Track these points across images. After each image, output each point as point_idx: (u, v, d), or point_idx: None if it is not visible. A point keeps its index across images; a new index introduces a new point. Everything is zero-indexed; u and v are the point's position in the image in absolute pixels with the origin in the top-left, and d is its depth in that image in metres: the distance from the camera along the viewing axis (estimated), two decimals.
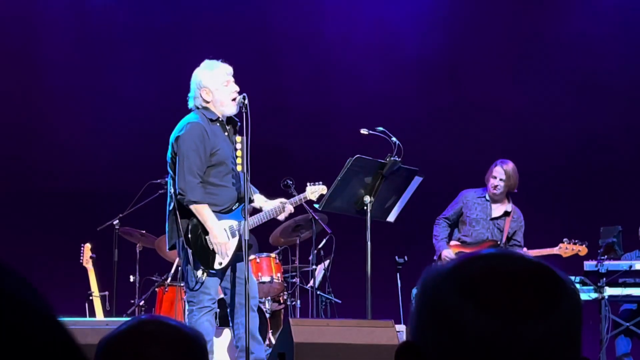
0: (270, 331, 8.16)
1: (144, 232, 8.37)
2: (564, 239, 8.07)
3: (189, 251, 6.04)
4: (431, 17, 10.93)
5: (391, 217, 6.87)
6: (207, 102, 6.11)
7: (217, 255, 6.07)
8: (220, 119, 6.15)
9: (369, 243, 6.52)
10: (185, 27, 10.74)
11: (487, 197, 8.25)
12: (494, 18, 10.99)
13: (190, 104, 6.19)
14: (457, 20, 11.06)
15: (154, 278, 8.30)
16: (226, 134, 6.15)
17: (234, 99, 6.07)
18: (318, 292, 8.44)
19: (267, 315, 8.19)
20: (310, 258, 8.30)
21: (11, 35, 10.40)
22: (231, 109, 6.10)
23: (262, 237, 8.71)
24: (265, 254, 8.38)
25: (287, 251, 8.63)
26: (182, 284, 7.52)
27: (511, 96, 10.80)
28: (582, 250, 8.09)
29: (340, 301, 8.61)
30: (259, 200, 6.33)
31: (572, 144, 10.65)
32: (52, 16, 10.45)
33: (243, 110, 6.06)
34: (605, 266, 8.02)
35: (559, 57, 10.79)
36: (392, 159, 6.62)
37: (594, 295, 7.96)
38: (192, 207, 6.01)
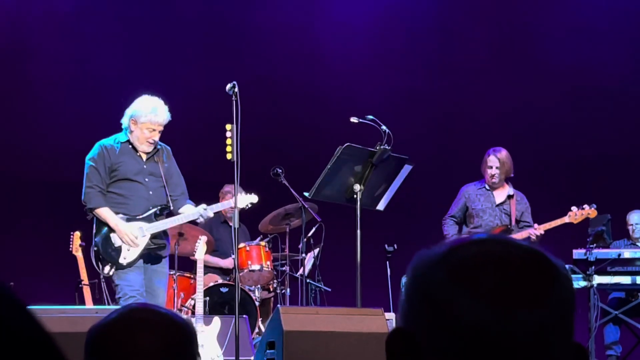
0: (259, 319, 8.17)
1: None
2: (572, 207, 8.07)
3: (94, 249, 6.63)
4: (422, 7, 10.91)
5: (381, 206, 6.86)
6: (130, 131, 6.67)
7: (122, 252, 6.57)
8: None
9: (358, 231, 6.51)
10: (171, 19, 10.70)
11: (487, 187, 8.27)
12: (485, 6, 10.98)
13: (123, 119, 6.73)
14: (447, 10, 11.05)
15: None
16: (138, 153, 6.67)
17: (149, 143, 6.63)
18: (308, 281, 8.44)
19: (257, 304, 8.19)
20: (300, 246, 8.29)
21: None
22: (143, 148, 6.66)
23: (251, 225, 8.71)
24: (255, 242, 8.38)
25: (277, 239, 8.63)
26: (172, 272, 7.56)
27: (502, 86, 10.79)
28: (592, 212, 8.08)
29: (329, 289, 8.61)
30: (187, 209, 6.74)
31: (561, 134, 10.66)
32: (39, 8, 10.41)
33: (233, 99, 6.26)
34: (594, 254, 8.04)
35: (549, 49, 10.78)
36: (382, 147, 6.61)
37: (582, 283, 7.98)
38: (94, 212, 6.61)
